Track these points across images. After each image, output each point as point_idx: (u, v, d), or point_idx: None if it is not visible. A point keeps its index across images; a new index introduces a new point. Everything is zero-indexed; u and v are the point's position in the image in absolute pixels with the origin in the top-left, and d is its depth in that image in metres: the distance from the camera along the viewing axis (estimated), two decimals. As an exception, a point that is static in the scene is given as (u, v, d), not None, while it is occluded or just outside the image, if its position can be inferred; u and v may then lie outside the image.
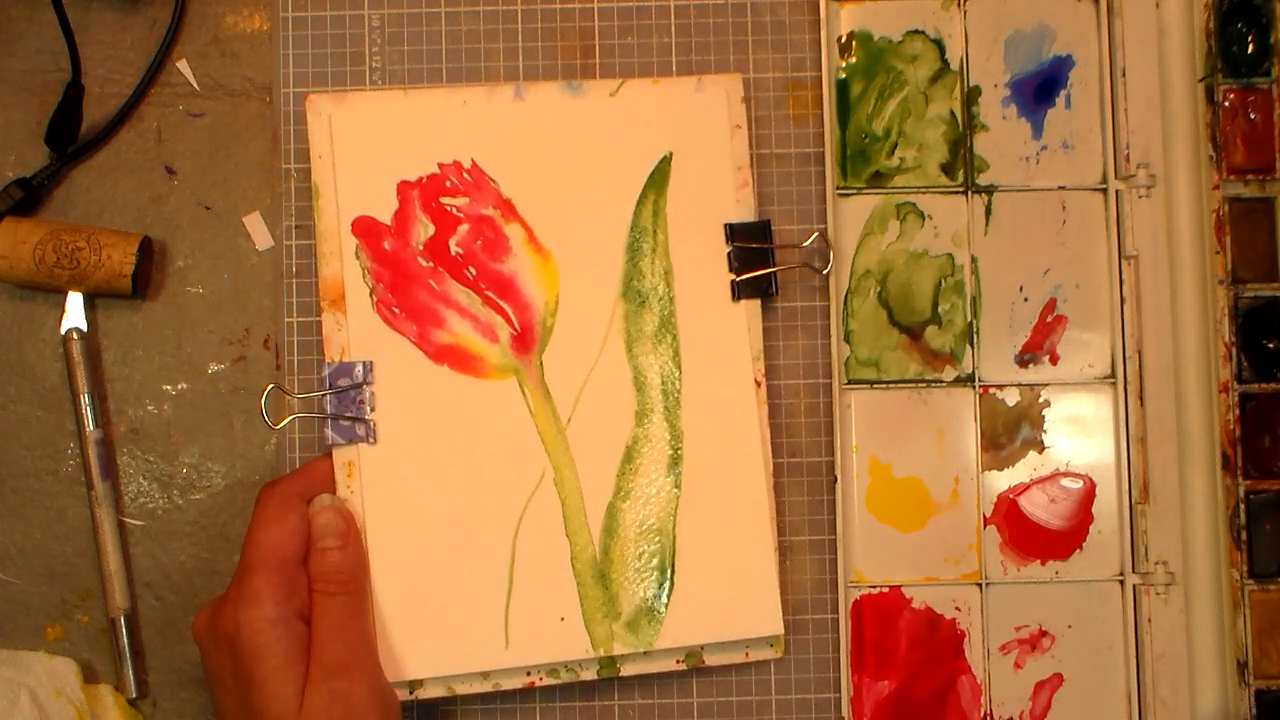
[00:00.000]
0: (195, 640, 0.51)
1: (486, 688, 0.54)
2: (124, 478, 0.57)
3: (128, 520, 0.57)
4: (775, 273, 0.55)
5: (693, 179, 0.55)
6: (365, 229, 0.54)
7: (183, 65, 0.58)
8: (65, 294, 0.56)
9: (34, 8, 0.58)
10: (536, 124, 0.55)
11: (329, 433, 0.53)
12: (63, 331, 0.56)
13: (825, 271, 0.57)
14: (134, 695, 0.56)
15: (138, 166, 0.58)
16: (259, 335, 0.58)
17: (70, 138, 0.57)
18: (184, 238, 0.58)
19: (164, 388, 0.57)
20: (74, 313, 0.56)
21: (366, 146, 0.54)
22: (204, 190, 0.58)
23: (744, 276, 0.55)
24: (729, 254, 0.55)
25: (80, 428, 0.56)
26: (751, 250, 0.55)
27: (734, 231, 0.55)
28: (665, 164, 0.55)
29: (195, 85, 0.58)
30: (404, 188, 0.54)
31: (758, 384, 0.55)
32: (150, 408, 0.57)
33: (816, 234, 0.56)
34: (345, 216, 0.54)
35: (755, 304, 0.55)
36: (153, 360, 0.58)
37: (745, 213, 0.56)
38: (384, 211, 0.54)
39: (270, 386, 0.54)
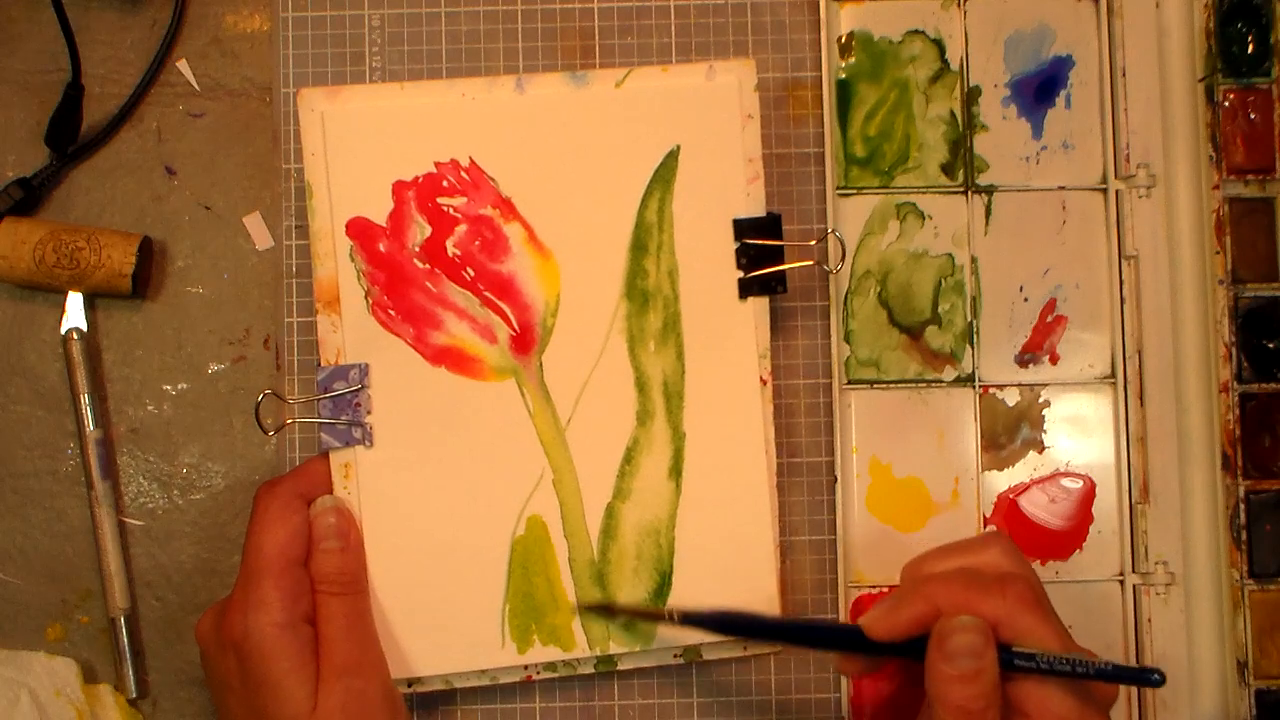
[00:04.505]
0: (199, 644, 0.51)
1: (484, 681, 0.54)
2: (124, 478, 0.57)
3: (128, 520, 0.57)
4: (785, 269, 0.54)
5: (702, 173, 0.54)
6: (360, 231, 0.53)
7: (183, 65, 0.58)
8: (65, 294, 0.56)
9: (34, 8, 0.58)
10: (538, 117, 0.54)
11: (324, 437, 0.53)
12: (63, 331, 0.57)
13: (838, 270, 0.56)
14: (134, 695, 0.56)
15: (138, 166, 0.58)
16: (259, 335, 0.58)
17: (70, 138, 0.57)
18: (184, 238, 0.58)
19: (164, 388, 0.57)
20: (74, 313, 0.56)
21: (361, 144, 0.53)
22: (204, 190, 0.58)
23: (753, 274, 0.54)
24: (737, 250, 0.54)
25: (80, 428, 0.56)
26: (760, 246, 0.54)
27: (742, 227, 0.54)
28: (672, 158, 0.54)
29: (195, 85, 0.58)
30: (399, 188, 0.53)
31: (764, 382, 0.54)
32: (150, 408, 0.57)
33: (831, 231, 0.56)
34: (339, 217, 0.53)
35: (763, 301, 0.54)
36: (153, 360, 0.58)
37: (755, 207, 0.54)
38: (379, 212, 0.53)
39: (264, 393, 0.54)
